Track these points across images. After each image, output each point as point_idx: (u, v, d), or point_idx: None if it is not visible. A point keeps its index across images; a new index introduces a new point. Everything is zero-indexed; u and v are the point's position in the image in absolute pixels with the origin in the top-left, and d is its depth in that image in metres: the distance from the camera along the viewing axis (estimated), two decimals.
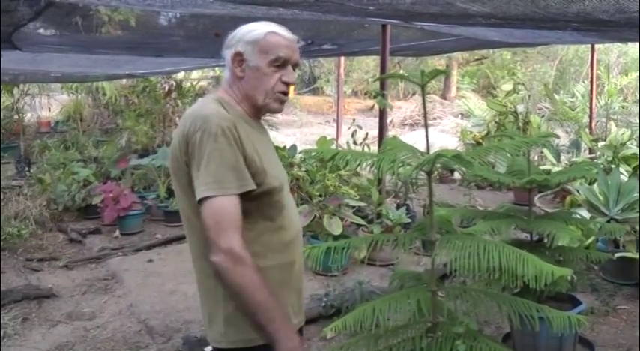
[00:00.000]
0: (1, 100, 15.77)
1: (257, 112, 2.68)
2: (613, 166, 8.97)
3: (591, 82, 12.78)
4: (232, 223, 2.37)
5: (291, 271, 2.69)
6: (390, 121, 19.53)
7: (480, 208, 8.08)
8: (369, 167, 3.62)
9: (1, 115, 15.97)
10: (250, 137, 2.52)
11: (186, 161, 2.46)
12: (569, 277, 4.26)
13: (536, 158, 11.00)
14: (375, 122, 10.10)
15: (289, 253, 2.67)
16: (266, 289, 2.40)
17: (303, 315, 2.85)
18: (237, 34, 2.63)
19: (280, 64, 2.60)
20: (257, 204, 2.51)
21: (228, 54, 2.63)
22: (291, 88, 2.73)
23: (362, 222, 7.71)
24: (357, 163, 3.56)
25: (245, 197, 2.43)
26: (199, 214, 2.43)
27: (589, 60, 13.90)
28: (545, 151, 10.51)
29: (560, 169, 8.56)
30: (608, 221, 6.46)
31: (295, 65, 2.67)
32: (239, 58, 2.60)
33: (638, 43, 12.19)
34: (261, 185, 2.49)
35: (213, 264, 2.37)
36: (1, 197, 9.63)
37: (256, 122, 2.71)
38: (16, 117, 16.28)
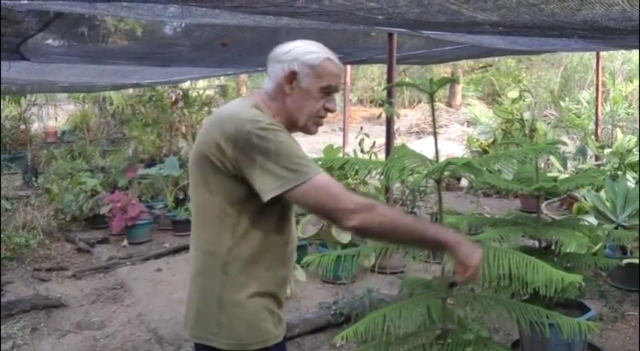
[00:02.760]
0: (9, 110, 15.84)
1: (290, 128, 2.66)
2: (620, 172, 8.96)
3: (597, 88, 12.79)
4: (338, 187, 2.46)
5: (284, 284, 2.75)
6: (397, 129, 19.51)
7: (488, 216, 8.07)
8: (377, 175, 3.63)
9: (8, 125, 16.03)
10: None
11: (229, 165, 2.45)
12: (577, 284, 4.27)
13: (542, 165, 10.98)
14: (380, 130, 10.10)
15: (287, 266, 2.73)
16: (399, 214, 2.58)
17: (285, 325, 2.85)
18: (293, 52, 2.64)
19: (329, 91, 2.66)
20: (272, 216, 2.55)
21: (279, 68, 2.63)
22: None
23: None
24: (367, 171, 3.58)
25: (262, 208, 2.48)
26: (222, 215, 2.51)
27: (594, 67, 13.91)
28: (552, 158, 10.50)
29: (567, 176, 8.57)
30: (616, 228, 6.46)
31: (336, 92, 2.73)
32: (292, 76, 2.61)
33: (638, 51, 12.19)
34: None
35: (355, 229, 2.44)
36: (8, 207, 9.64)
37: None
38: (23, 127, 16.33)
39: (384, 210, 2.50)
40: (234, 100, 2.82)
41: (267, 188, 2.40)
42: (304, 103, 2.64)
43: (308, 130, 2.71)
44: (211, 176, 2.51)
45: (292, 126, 2.66)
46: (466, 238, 2.60)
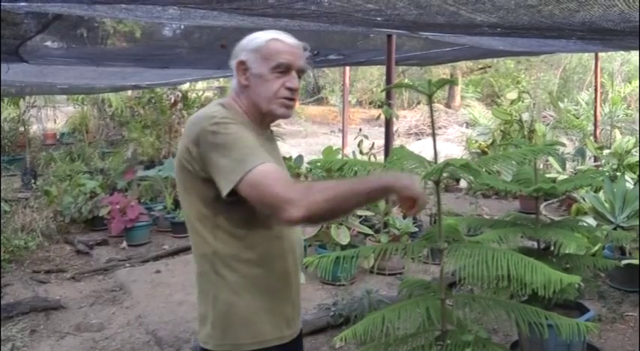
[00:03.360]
0: (7, 112, 15.84)
1: (263, 119, 2.66)
2: (618, 173, 8.97)
3: (595, 90, 12.81)
4: (279, 177, 2.34)
5: (286, 282, 2.67)
6: (395, 131, 19.52)
7: (487, 217, 8.08)
8: None
9: (7, 127, 16.03)
10: (257, 141, 2.51)
11: (196, 166, 2.45)
12: (576, 285, 4.27)
13: (541, 166, 10.99)
14: (379, 132, 10.11)
15: (285, 262, 2.65)
16: (334, 183, 2.41)
17: (299, 326, 2.83)
18: (242, 44, 2.64)
19: (283, 70, 2.58)
20: (251, 212, 2.48)
21: (233, 64, 2.63)
22: (297, 93, 2.68)
23: (369, 231, 7.71)
24: (366, 172, 3.57)
25: (236, 205, 2.42)
26: (201, 218, 2.51)
27: (593, 68, 13.93)
28: (551, 159, 10.52)
29: (565, 177, 8.58)
30: (615, 229, 6.46)
31: (301, 71, 2.66)
32: (243, 66, 2.60)
33: (638, 52, 12.20)
34: None
35: (304, 219, 2.30)
36: (7, 210, 9.64)
37: (263, 130, 2.69)
38: (21, 129, 16.32)
39: (321, 185, 2.44)
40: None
41: (222, 184, 2.37)
42: (261, 88, 2.58)
43: (275, 114, 2.63)
44: (187, 181, 2.52)
45: (261, 115, 2.64)
46: (397, 172, 2.61)
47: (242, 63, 2.60)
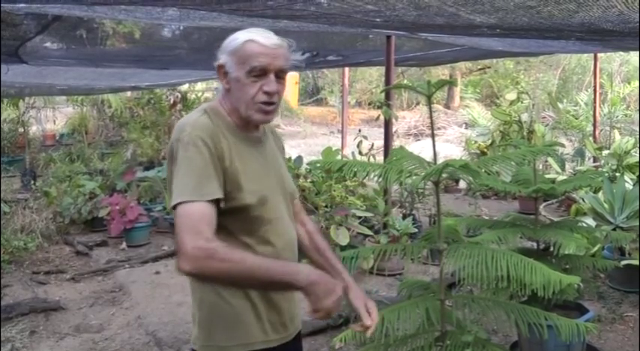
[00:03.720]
0: (7, 113, 15.84)
1: (246, 123, 2.58)
2: (618, 174, 8.97)
3: (595, 90, 12.82)
4: (193, 227, 2.28)
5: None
6: (395, 131, 19.49)
7: (486, 217, 8.09)
8: (375, 177, 3.63)
9: (6, 128, 16.03)
10: (233, 149, 2.48)
11: (172, 170, 2.45)
12: (576, 286, 4.27)
13: (540, 167, 11.00)
14: (379, 132, 10.11)
15: None
16: (241, 258, 2.29)
17: (293, 330, 2.79)
18: (223, 45, 2.56)
19: (258, 73, 2.47)
20: (234, 218, 2.47)
21: (215, 66, 2.58)
22: (277, 96, 2.56)
23: (369, 232, 7.71)
24: (365, 173, 3.58)
25: (220, 210, 2.41)
26: None
27: (592, 69, 13.94)
28: (550, 160, 10.53)
29: (565, 177, 8.58)
30: (614, 229, 6.47)
31: (281, 72, 2.53)
32: (222, 70, 2.54)
33: (639, 52, 12.20)
34: (234, 200, 2.45)
35: (186, 274, 2.30)
36: (7, 211, 9.64)
37: (247, 134, 2.60)
38: (21, 130, 16.32)
39: (226, 255, 2.26)
40: None
41: (169, 199, 2.41)
42: (239, 93, 2.51)
43: (253, 120, 2.54)
44: (172, 179, 2.49)
45: (243, 120, 2.57)
46: (324, 276, 2.37)
47: (221, 67, 2.54)
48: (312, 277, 2.31)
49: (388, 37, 7.61)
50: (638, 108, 16.49)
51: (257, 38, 2.49)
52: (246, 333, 2.53)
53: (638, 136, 11.43)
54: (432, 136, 3.77)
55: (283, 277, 2.32)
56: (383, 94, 8.33)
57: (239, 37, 2.51)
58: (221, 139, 2.45)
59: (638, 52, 12.83)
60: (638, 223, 6.46)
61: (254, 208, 2.50)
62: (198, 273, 2.28)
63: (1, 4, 4.10)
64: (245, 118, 2.54)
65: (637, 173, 9.20)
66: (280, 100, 2.59)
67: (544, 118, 16.89)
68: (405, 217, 8.58)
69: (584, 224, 5.59)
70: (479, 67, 26.15)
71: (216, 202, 2.37)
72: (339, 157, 9.48)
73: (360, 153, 9.20)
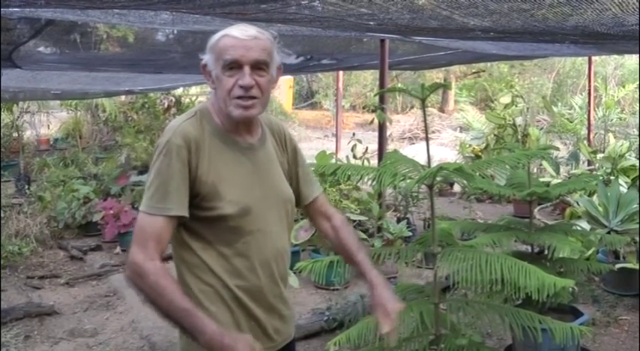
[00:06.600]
0: (1, 119, 15.79)
1: (235, 125, 2.50)
2: (612, 177, 8.99)
3: (589, 94, 12.85)
4: (142, 240, 2.36)
5: (252, 298, 2.52)
6: (389, 135, 19.54)
7: (480, 221, 8.08)
8: (369, 181, 3.63)
9: (1, 134, 15.99)
10: (216, 155, 2.45)
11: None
12: (570, 289, 4.27)
13: (535, 170, 11.01)
14: (373, 136, 10.12)
15: (253, 279, 2.51)
16: (169, 294, 2.30)
17: (283, 337, 2.72)
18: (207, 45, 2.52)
19: (233, 67, 2.40)
20: (212, 227, 2.46)
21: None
22: (256, 90, 2.44)
23: (363, 236, 7.69)
24: (359, 177, 3.57)
25: (196, 219, 2.43)
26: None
27: (586, 72, 13.95)
28: (545, 163, 10.53)
29: (559, 181, 8.59)
30: (609, 233, 6.47)
31: (258, 63, 2.41)
32: (206, 69, 2.51)
33: (635, 55, 12.23)
34: (213, 209, 2.43)
35: (125, 280, 2.39)
36: (1, 215, 9.61)
37: (235, 138, 2.54)
38: (15, 135, 16.28)
39: (153, 282, 2.30)
40: None
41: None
42: (220, 90, 2.45)
43: (232, 116, 2.44)
44: None
45: (231, 120, 2.49)
46: (226, 340, 2.28)
47: (204, 66, 2.52)
48: (212, 341, 2.27)
49: (382, 41, 7.61)
50: (635, 111, 16.51)
51: (232, 32, 2.43)
52: None
53: (638, 139, 11.45)
54: (427, 139, 3.77)
55: (190, 328, 2.31)
56: (377, 98, 8.34)
57: (217, 35, 2.48)
58: (202, 146, 2.43)
59: (632, 55, 12.86)
60: (632, 227, 6.46)
61: (233, 218, 2.45)
62: (130, 284, 2.37)
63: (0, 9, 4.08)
64: (229, 117, 2.47)
65: (631, 176, 9.21)
66: (266, 94, 2.49)
67: (538, 121, 16.89)
68: (399, 220, 8.58)
69: (579, 228, 5.59)
70: (473, 70, 26.18)
71: (177, 216, 2.39)
72: (333, 160, 9.46)
73: (355, 157, 9.21)
